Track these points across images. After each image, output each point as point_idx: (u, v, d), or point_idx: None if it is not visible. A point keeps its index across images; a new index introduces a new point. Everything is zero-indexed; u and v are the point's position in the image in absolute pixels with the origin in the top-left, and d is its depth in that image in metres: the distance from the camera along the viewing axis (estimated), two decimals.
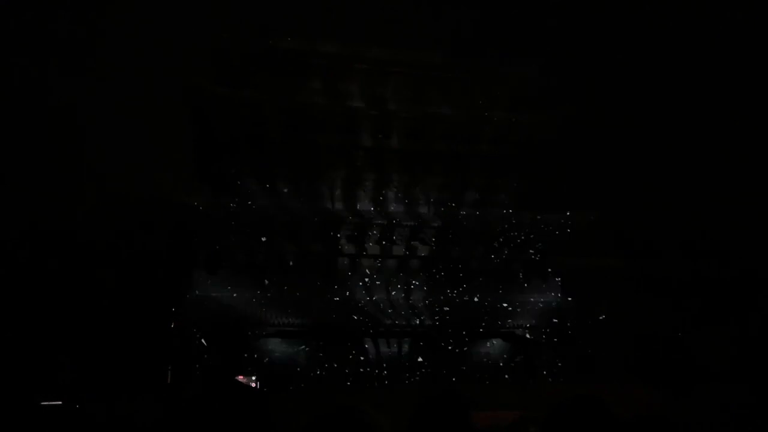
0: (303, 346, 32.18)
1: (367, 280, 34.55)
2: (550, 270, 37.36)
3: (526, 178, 38.87)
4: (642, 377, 32.16)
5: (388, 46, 37.98)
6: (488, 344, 34.40)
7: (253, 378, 27.75)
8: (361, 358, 31.84)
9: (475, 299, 34.66)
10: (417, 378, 32.48)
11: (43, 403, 26.71)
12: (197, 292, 31.67)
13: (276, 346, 31.32)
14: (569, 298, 36.26)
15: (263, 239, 33.34)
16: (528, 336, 33.04)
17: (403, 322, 31.56)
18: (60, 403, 24.79)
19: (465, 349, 33.94)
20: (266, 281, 33.13)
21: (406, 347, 33.13)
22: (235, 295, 31.88)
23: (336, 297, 33.09)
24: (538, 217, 36.97)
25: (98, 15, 62.14)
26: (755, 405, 23.93)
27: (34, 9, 61.05)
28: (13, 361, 32.86)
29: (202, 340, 29.42)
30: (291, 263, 34.11)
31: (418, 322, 31.59)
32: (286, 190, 35.71)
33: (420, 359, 32.89)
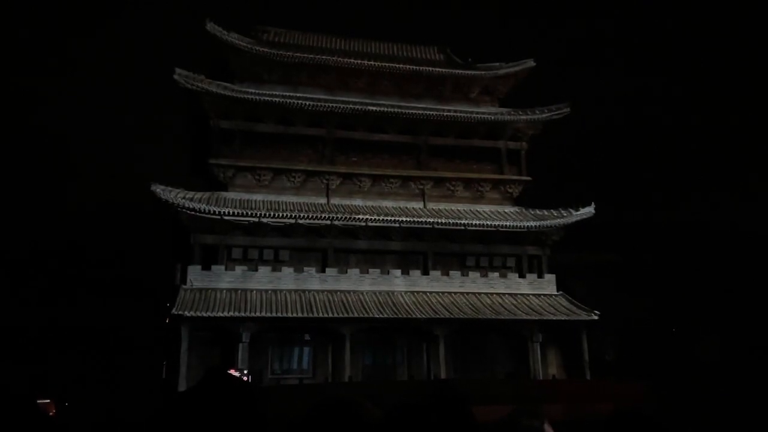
0: (298, 341, 32.06)
1: (363, 275, 34.35)
2: (547, 266, 37.25)
3: (525, 175, 38.75)
4: (639, 376, 32.13)
5: (386, 42, 37.83)
6: (485, 340, 34.28)
7: (245, 372, 27.44)
8: (358, 352, 31.69)
9: (473, 296, 34.55)
10: (412, 372, 32.38)
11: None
12: (192, 287, 31.41)
13: (271, 341, 31.18)
14: (566, 295, 36.12)
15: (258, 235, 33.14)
16: (524, 333, 32.93)
17: (400, 317, 31.38)
18: (48, 401, 24.52)
19: (462, 344, 33.82)
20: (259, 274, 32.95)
21: (401, 342, 33.03)
22: (230, 289, 31.66)
23: (330, 291, 32.90)
24: (538, 213, 36.84)
25: (97, 15, 61.89)
26: (754, 404, 23.87)
27: (34, 9, 60.77)
28: (6, 359, 32.72)
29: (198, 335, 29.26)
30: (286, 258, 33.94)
31: (414, 316, 31.43)
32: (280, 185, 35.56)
33: (416, 354, 32.81)
